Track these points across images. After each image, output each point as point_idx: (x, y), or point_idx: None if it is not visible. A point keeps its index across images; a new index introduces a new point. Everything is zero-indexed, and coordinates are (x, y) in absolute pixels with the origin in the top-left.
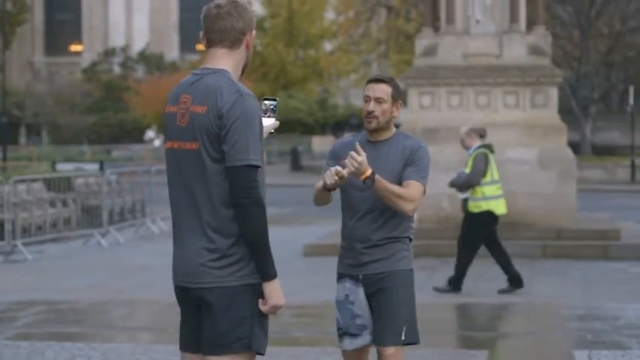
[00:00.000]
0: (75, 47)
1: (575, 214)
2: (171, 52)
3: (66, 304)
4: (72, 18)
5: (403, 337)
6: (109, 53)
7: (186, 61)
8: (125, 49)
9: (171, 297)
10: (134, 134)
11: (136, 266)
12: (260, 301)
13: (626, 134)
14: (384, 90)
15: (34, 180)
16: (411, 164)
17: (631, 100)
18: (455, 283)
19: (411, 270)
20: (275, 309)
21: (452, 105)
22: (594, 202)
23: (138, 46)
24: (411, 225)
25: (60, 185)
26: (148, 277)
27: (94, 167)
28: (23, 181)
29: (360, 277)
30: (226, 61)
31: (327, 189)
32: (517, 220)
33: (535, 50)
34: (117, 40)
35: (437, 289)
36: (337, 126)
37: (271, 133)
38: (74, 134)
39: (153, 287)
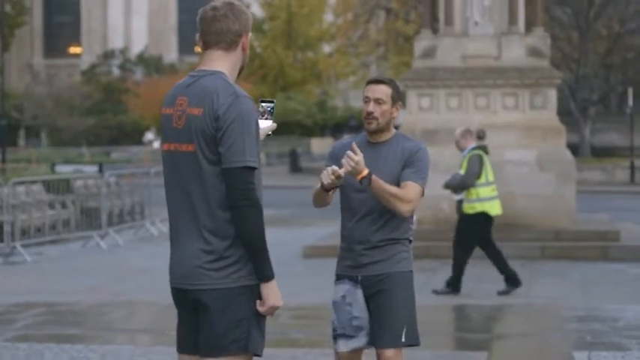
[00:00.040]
0: (74, 49)
1: (574, 216)
2: (170, 54)
3: (65, 306)
4: (71, 20)
5: (403, 339)
6: (107, 55)
7: (185, 63)
8: (124, 51)
9: (171, 299)
10: (133, 136)
11: (135, 268)
12: (258, 302)
13: (625, 136)
14: (383, 91)
15: (33, 182)
16: (410, 165)
17: (630, 102)
18: (453, 285)
19: (411, 272)
20: (273, 310)
21: (451, 107)
22: (593, 203)
23: (137, 48)
24: (410, 226)
25: (59, 187)
26: (147, 279)
27: (93, 169)
28: (22, 183)
29: (359, 278)
30: (222, 63)
31: (325, 189)
32: (516, 222)
33: (534, 52)
34: (116, 43)
35: (436, 292)
36: (336, 128)
37: (268, 135)
38: (73, 136)
39: (152, 289)
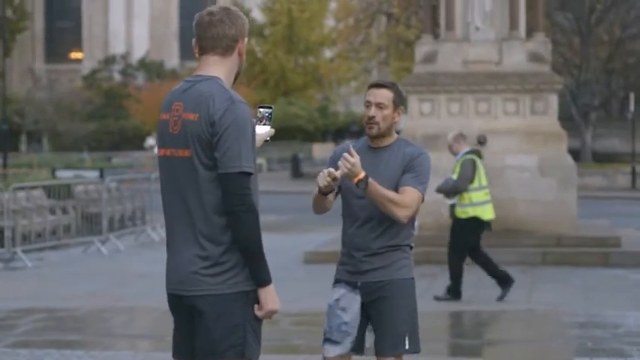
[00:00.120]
0: (75, 55)
1: (575, 221)
2: (172, 59)
3: (65, 312)
4: (72, 26)
5: (407, 347)
6: (109, 61)
7: (186, 69)
8: (125, 56)
9: None
10: (134, 141)
11: (135, 274)
12: (255, 306)
13: (627, 141)
14: (385, 95)
15: (34, 187)
16: (410, 170)
17: (631, 107)
18: (454, 291)
19: (412, 279)
20: (271, 314)
21: (452, 112)
22: (595, 209)
23: (138, 53)
24: (412, 232)
25: (60, 192)
26: (147, 284)
27: (94, 174)
28: (23, 188)
29: (359, 284)
30: (219, 69)
31: (322, 192)
32: (517, 227)
33: (535, 57)
34: (117, 48)
35: (437, 298)
36: (338, 133)
37: (266, 140)
38: (74, 141)
39: (152, 295)
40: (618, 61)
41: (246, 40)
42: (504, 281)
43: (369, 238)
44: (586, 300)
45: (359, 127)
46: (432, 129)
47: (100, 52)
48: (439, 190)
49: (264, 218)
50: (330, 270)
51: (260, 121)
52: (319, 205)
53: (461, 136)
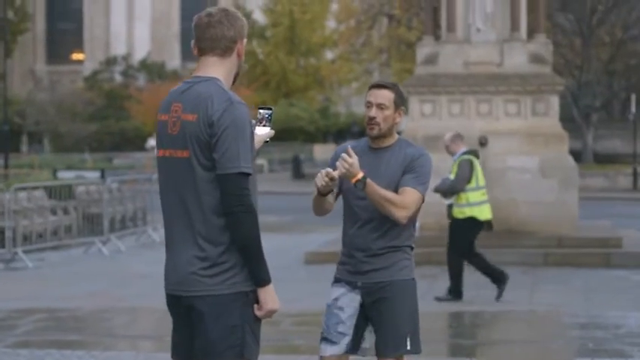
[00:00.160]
0: (77, 56)
1: (576, 222)
2: (173, 60)
3: (66, 312)
4: (74, 27)
5: (409, 347)
6: (110, 62)
7: (187, 70)
8: (127, 57)
9: None
10: (135, 142)
11: (136, 274)
12: (255, 306)
13: (628, 142)
14: (386, 96)
15: (35, 188)
16: (410, 171)
17: (633, 108)
18: (455, 291)
19: (413, 280)
20: (270, 313)
21: (453, 113)
22: (596, 210)
23: (139, 54)
24: (413, 233)
25: (61, 193)
26: (148, 284)
27: (95, 175)
28: (24, 188)
29: (359, 284)
30: (217, 70)
31: (321, 193)
32: (519, 228)
33: (536, 58)
34: (118, 49)
35: (438, 299)
36: (339, 134)
37: (266, 141)
38: (76, 142)
39: (153, 295)
40: (620, 62)
41: (245, 41)
42: (499, 279)
43: (370, 238)
44: (587, 301)
45: (360, 128)
46: (433, 130)
47: (102, 54)
48: (436, 190)
49: (265, 219)
50: (331, 270)
51: (260, 122)
52: (319, 207)
53: (458, 137)
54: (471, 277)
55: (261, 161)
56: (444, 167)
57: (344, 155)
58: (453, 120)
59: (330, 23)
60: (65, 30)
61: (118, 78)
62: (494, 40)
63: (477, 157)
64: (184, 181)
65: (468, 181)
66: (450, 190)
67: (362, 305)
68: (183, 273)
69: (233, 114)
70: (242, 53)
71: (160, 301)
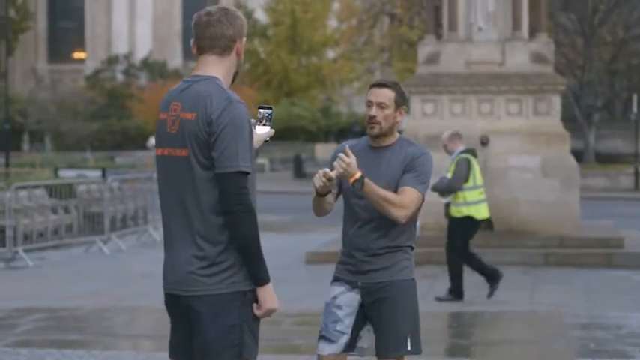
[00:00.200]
0: (78, 55)
1: (578, 222)
2: (175, 59)
3: (67, 311)
4: (75, 26)
5: (409, 348)
6: (112, 61)
7: (189, 69)
8: (128, 56)
9: None
10: (137, 141)
11: (137, 273)
12: (254, 305)
13: (630, 142)
14: (386, 95)
15: (36, 187)
16: (410, 171)
17: (634, 108)
18: (455, 291)
19: (413, 280)
20: (269, 312)
21: (454, 112)
22: (597, 210)
23: (141, 53)
24: (414, 233)
25: (62, 192)
26: (149, 284)
27: (96, 174)
28: (25, 187)
29: (359, 283)
30: (217, 68)
31: (319, 194)
32: (520, 228)
33: (538, 58)
34: (120, 48)
35: (439, 299)
36: (340, 133)
37: (266, 141)
38: (77, 141)
39: (154, 294)
40: (621, 62)
41: (244, 40)
42: (491, 278)
43: (370, 238)
44: (588, 301)
45: (361, 127)
46: (434, 129)
47: (103, 52)
48: (434, 189)
49: (266, 218)
50: (332, 270)
51: (260, 121)
52: (319, 207)
53: (456, 136)
54: (471, 277)
55: (262, 160)
56: (444, 166)
57: (341, 155)
58: (455, 119)
59: (332, 22)
60: (67, 28)
61: (120, 77)
62: (496, 39)
63: (475, 156)
64: (183, 180)
65: (466, 180)
66: (448, 189)
67: (361, 305)
68: (181, 272)
69: (232, 113)
70: (241, 52)
71: (161, 301)
